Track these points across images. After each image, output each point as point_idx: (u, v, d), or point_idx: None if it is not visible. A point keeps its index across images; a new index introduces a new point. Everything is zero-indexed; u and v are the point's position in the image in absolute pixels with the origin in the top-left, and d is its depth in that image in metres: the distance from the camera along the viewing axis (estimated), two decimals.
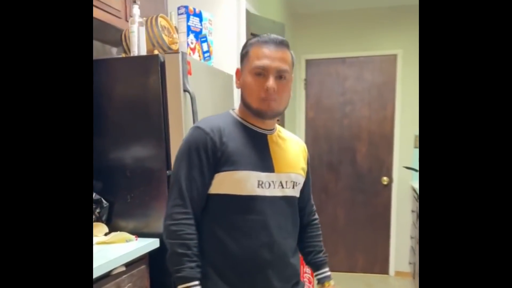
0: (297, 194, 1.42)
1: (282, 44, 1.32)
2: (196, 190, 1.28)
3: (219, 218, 1.30)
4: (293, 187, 1.39)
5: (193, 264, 1.24)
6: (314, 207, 1.58)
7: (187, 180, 1.27)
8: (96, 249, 1.61)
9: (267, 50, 1.29)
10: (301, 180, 1.42)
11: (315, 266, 1.50)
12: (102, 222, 1.85)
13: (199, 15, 2.25)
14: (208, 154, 1.27)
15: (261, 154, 1.33)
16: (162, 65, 1.80)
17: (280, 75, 1.28)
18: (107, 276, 1.47)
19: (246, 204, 1.29)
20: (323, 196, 4.38)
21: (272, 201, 1.33)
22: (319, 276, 1.51)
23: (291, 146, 1.43)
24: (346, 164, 4.36)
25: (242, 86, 1.33)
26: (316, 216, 1.57)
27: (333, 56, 4.36)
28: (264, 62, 1.27)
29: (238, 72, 1.36)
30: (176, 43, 2.14)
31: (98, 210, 1.84)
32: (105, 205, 1.85)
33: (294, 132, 4.40)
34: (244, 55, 1.34)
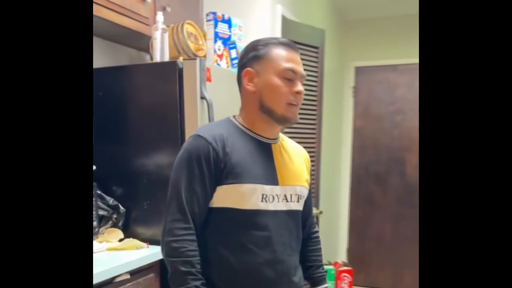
0: (302, 208, 1.35)
1: (298, 52, 1.30)
2: (197, 203, 1.20)
3: (220, 233, 1.23)
4: (298, 201, 1.31)
5: (198, 283, 1.17)
6: (315, 219, 1.50)
7: (188, 192, 1.19)
8: (104, 255, 1.61)
9: (292, 53, 1.25)
10: (305, 192, 1.34)
11: (314, 282, 1.43)
12: (119, 228, 1.86)
13: (228, 21, 2.22)
14: (210, 165, 1.19)
15: (265, 166, 1.25)
16: (181, 71, 1.78)
17: (302, 82, 1.25)
18: (109, 283, 1.46)
19: (249, 218, 1.22)
20: (368, 208, 4.20)
21: (275, 216, 1.25)
22: None
23: (295, 156, 1.35)
24: (395, 175, 4.15)
25: (263, 89, 1.23)
26: (317, 228, 1.49)
27: (384, 63, 4.19)
28: (295, 66, 1.23)
29: (252, 74, 1.25)
30: (202, 49, 2.12)
31: (115, 216, 1.85)
32: (121, 211, 1.86)
33: (340, 141, 4.27)
34: (262, 56, 1.24)
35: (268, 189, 1.23)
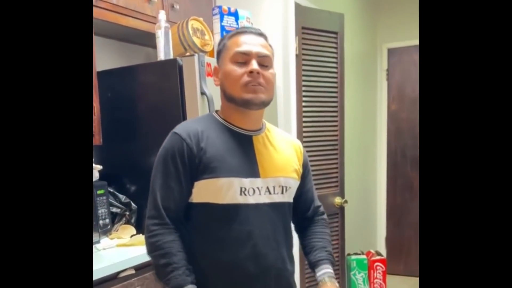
0: (289, 199, 1.31)
1: (262, 35, 1.27)
2: (173, 200, 1.21)
3: (202, 228, 1.24)
4: (282, 192, 1.28)
5: (180, 271, 1.17)
6: (322, 208, 1.43)
7: (163, 190, 1.21)
8: (112, 251, 1.67)
9: (247, 37, 1.24)
10: (292, 183, 1.31)
11: (312, 266, 1.33)
12: (132, 224, 1.92)
13: (234, 14, 2.20)
14: (185, 161, 1.20)
15: (245, 158, 1.24)
16: (181, 68, 1.80)
17: (262, 63, 1.22)
18: (114, 278, 1.52)
19: (228, 213, 1.21)
20: (407, 195, 4.05)
21: (257, 209, 1.23)
22: (317, 275, 1.31)
23: (281, 147, 1.32)
24: None
25: (222, 78, 1.26)
26: (323, 216, 1.42)
27: (417, 43, 3.99)
28: (245, 47, 1.22)
29: (216, 70, 1.30)
30: (209, 44, 2.12)
31: (127, 213, 1.92)
32: (133, 208, 1.92)
33: (375, 126, 4.14)
34: (222, 49, 1.27)
35: (247, 182, 1.21)
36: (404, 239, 4.05)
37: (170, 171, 1.21)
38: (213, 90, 1.81)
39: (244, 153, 1.25)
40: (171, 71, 1.81)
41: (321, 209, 1.44)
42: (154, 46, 2.46)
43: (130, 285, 1.56)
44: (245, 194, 1.21)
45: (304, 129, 2.61)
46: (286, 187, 1.28)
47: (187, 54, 2.03)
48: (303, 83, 2.60)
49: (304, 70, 2.60)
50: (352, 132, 3.43)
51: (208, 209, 1.22)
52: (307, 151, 2.56)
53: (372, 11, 4.06)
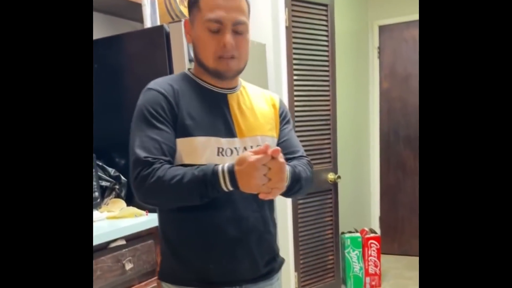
0: None
1: None
2: (161, 151, 1.09)
3: None
4: None
5: (193, 172, 1.05)
6: (307, 160, 1.28)
7: (145, 144, 1.09)
8: (103, 223, 1.63)
9: None
10: (270, 141, 1.23)
11: None
12: (122, 198, 1.87)
13: None
14: (166, 113, 1.12)
15: (221, 117, 1.18)
16: (168, 35, 1.75)
17: (237, 30, 1.14)
18: (104, 248, 1.47)
19: None
20: (400, 174, 4.04)
21: None
22: None
23: (258, 104, 1.26)
24: None
25: (194, 41, 1.19)
26: (308, 167, 1.27)
27: (409, 19, 3.95)
28: (219, 14, 1.12)
29: (188, 24, 1.21)
30: None
31: (117, 186, 1.87)
32: (123, 181, 1.87)
33: (367, 104, 4.11)
34: (194, 3, 1.17)
35: (224, 142, 1.16)
36: (398, 219, 4.04)
37: (150, 124, 1.12)
38: None
39: (220, 112, 1.19)
40: (158, 39, 1.76)
41: (308, 160, 1.29)
42: (140, 20, 2.40)
43: (121, 256, 1.52)
44: (222, 155, 1.15)
45: (296, 103, 2.57)
46: None
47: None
48: (294, 56, 2.55)
49: (294, 43, 2.56)
50: (345, 110, 3.40)
51: None
52: (299, 126, 2.55)
53: None
